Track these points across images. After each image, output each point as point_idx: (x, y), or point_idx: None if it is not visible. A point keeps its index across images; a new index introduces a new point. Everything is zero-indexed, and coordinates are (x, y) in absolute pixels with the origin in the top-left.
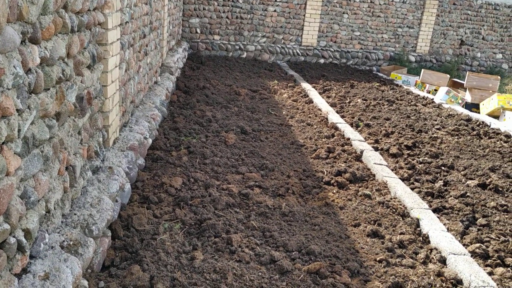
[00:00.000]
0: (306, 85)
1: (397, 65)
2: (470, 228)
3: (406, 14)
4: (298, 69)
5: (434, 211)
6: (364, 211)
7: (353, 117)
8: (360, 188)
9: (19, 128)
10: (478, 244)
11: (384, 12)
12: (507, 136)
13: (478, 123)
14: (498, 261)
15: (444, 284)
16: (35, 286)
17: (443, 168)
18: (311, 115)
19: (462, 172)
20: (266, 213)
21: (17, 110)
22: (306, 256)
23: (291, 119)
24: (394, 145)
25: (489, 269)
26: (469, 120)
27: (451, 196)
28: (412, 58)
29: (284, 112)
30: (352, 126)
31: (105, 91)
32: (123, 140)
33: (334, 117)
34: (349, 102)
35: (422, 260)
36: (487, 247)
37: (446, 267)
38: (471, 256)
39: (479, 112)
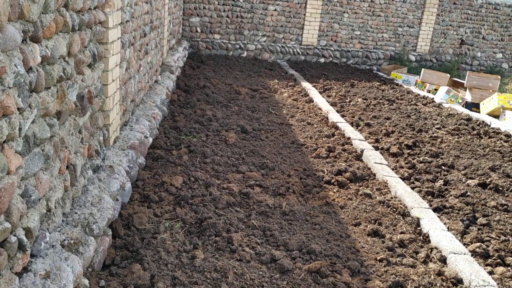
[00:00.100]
0: (306, 84)
1: (397, 65)
2: (470, 228)
3: (406, 14)
4: (298, 68)
5: (435, 210)
6: (365, 211)
7: (353, 117)
8: (361, 188)
9: (20, 127)
10: (478, 244)
11: (385, 11)
12: (507, 135)
13: (478, 122)
14: (499, 260)
15: (444, 283)
16: (36, 284)
17: (443, 167)
18: (311, 114)
19: (462, 172)
20: (267, 212)
21: (18, 109)
22: (306, 255)
23: (292, 118)
24: (394, 145)
25: (489, 268)
26: (469, 119)
27: (451, 195)
28: (412, 58)
29: (284, 111)
30: (352, 126)
31: (106, 90)
32: (124, 139)
33: (334, 116)
34: (350, 102)
35: (423, 259)
36: (488, 246)
37: (447, 266)
38: (472, 255)
39: (479, 112)
